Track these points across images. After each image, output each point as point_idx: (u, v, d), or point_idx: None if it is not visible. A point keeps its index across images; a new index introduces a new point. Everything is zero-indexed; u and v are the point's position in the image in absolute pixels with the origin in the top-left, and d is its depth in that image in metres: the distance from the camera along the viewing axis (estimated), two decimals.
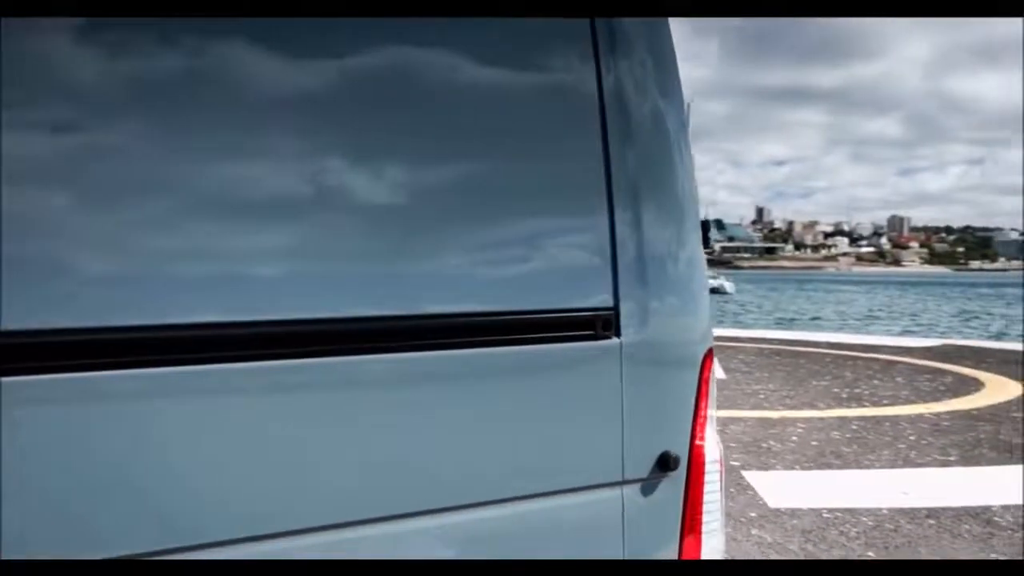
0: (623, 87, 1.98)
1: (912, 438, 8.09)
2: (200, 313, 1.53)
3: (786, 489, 6.33)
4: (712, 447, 2.04)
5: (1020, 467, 7.03)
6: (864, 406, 9.87)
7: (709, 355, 2.07)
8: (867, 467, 7.05)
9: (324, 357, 1.64)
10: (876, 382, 11.85)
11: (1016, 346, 18.69)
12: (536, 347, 1.85)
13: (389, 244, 1.73)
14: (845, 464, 7.13)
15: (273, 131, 1.63)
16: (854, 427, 8.58)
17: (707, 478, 2.03)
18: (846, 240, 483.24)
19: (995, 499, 6.07)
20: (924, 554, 4.96)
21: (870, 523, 5.52)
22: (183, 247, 1.53)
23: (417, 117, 1.77)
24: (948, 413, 9.40)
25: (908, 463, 7.19)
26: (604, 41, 1.95)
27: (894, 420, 8.98)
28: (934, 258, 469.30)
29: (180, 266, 1.52)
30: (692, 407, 2.02)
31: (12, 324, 1.36)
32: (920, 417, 9.16)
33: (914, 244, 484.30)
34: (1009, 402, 10.25)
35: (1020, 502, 5.98)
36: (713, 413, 2.07)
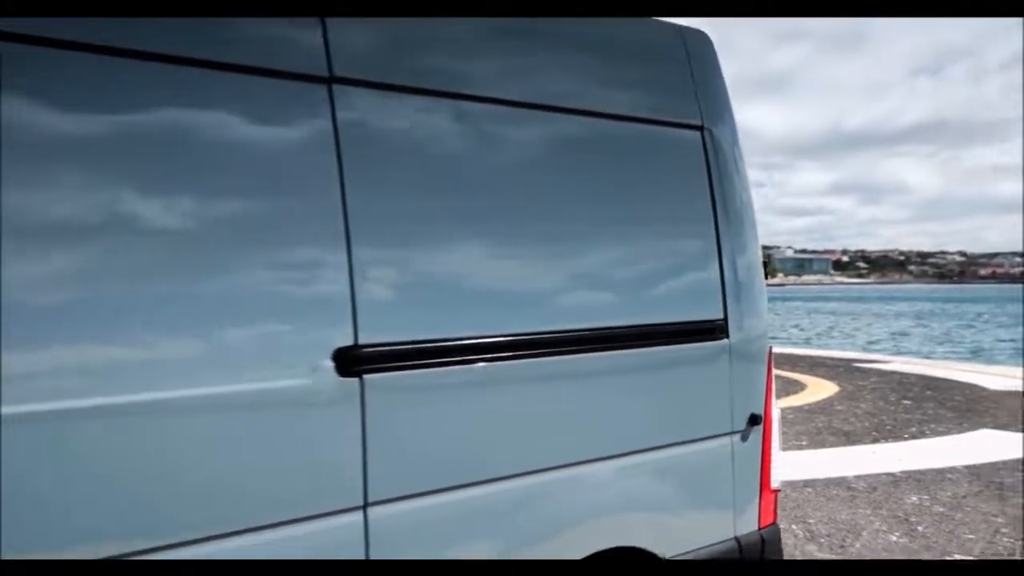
0: (718, 156, 3.00)
1: None
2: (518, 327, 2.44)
3: None
4: (775, 410, 3.11)
5: (855, 447, 8.69)
6: None
7: (770, 348, 3.14)
8: None
9: (578, 354, 2.58)
10: None
11: (815, 351, 21.44)
12: (683, 346, 2.86)
13: (612, 280, 2.70)
14: None
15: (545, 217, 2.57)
16: None
17: (773, 430, 3.10)
18: None
19: (847, 471, 7.61)
20: (810, 511, 6.32)
21: None
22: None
23: (609, 201, 2.73)
24: (788, 408, 11.12)
25: None
26: (709, 145, 2.98)
27: None
28: None
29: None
30: (765, 383, 3.08)
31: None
32: None
33: None
34: (830, 398, 12.20)
35: (866, 472, 7.55)
36: (773, 387, 3.14)
